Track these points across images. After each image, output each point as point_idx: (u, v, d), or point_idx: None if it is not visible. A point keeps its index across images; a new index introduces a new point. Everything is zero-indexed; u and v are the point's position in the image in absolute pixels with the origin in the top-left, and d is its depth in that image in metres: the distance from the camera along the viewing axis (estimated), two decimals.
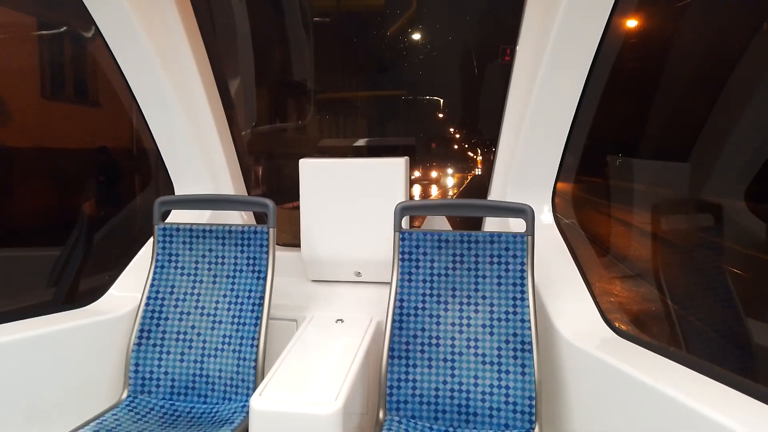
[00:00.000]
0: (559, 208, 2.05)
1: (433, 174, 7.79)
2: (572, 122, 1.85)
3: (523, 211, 1.71)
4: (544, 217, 2.01)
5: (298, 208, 2.13)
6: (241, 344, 1.78)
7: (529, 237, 1.69)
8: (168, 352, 1.83)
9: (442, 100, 5.40)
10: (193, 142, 2.18)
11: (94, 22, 1.96)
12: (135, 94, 2.11)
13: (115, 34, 1.98)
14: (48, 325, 1.74)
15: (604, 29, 1.70)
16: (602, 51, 1.76)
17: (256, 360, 1.73)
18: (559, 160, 1.95)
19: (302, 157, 2.08)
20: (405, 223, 1.85)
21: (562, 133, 1.88)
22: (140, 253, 2.14)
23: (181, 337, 1.84)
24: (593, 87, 1.85)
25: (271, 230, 1.85)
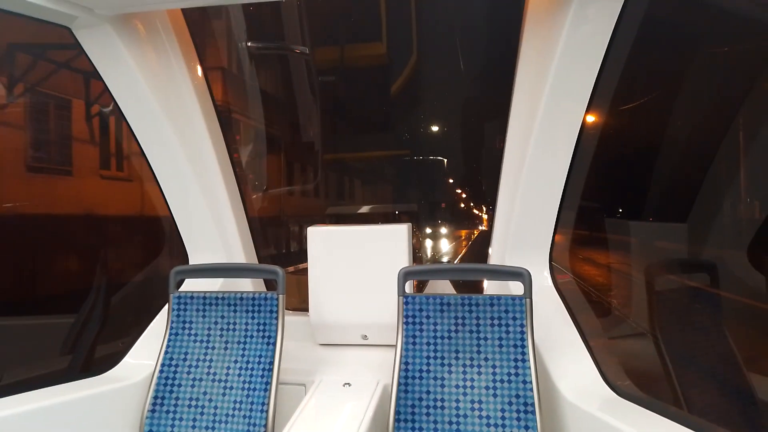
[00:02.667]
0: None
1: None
2: (563, 190, 1.96)
3: (521, 275, 1.78)
4: (543, 279, 2.08)
5: (300, 271, 2.20)
6: (251, 410, 1.82)
7: (528, 299, 1.75)
8: (180, 419, 1.87)
9: (445, 160, 5.51)
10: (207, 214, 2.30)
11: (114, 99, 2.12)
12: (153, 170, 2.25)
13: (134, 112, 2.12)
14: (66, 393, 1.80)
15: (593, 89, 1.81)
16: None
17: (265, 426, 1.76)
18: (554, 225, 2.04)
19: (311, 220, 2.18)
20: (409, 287, 1.92)
21: (555, 202, 1.98)
22: (155, 320, 2.22)
23: (194, 403, 1.89)
24: (585, 152, 1.97)
25: (280, 297, 1.93)
